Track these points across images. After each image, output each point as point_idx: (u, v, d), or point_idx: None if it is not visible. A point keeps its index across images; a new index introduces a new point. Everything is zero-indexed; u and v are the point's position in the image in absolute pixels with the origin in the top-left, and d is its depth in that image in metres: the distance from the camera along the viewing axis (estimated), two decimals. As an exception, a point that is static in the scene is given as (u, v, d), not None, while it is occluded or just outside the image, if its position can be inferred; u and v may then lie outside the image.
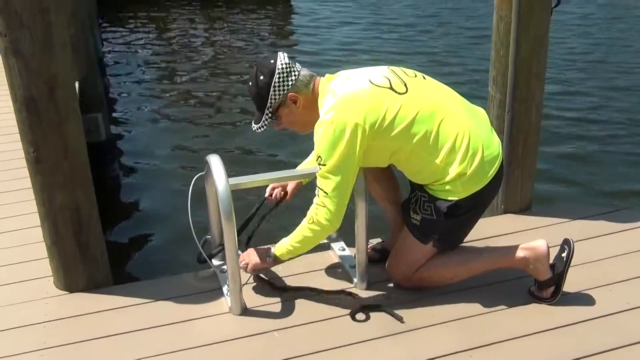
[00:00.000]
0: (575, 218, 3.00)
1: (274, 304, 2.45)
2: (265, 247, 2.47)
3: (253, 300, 2.46)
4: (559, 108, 6.73)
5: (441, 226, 2.30)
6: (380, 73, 2.30)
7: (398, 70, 2.35)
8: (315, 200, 2.28)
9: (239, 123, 6.72)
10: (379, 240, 2.79)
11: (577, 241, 2.75)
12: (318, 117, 2.26)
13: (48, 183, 2.35)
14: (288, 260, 2.46)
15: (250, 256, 2.47)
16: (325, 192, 2.23)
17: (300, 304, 2.44)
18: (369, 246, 2.64)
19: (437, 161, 2.21)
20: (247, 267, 2.46)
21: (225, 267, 2.45)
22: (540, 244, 2.32)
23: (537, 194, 3.15)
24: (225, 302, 2.44)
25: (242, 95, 7.62)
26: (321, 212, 2.24)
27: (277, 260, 2.43)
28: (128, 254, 4.24)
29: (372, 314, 2.35)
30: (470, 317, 2.34)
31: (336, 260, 2.71)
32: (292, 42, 10.65)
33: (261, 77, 2.27)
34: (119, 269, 3.14)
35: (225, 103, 7.51)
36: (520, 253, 2.34)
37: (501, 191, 3.02)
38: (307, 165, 2.57)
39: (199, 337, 2.27)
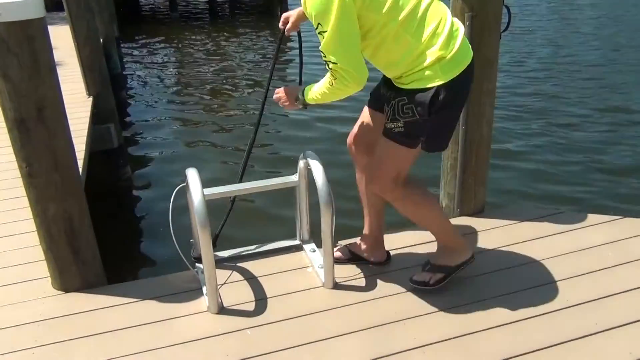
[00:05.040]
0: (522, 220, 2.82)
1: (248, 302, 2.27)
2: (297, 88, 2.15)
3: (230, 299, 2.28)
4: (511, 123, 6.52)
5: (425, 125, 1.96)
6: None
7: None
8: (328, 74, 1.93)
9: (242, 126, 6.53)
10: (348, 242, 2.61)
11: (524, 241, 2.63)
12: None
13: (41, 195, 2.16)
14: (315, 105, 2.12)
15: (286, 95, 2.18)
16: (334, 62, 1.86)
17: (273, 302, 2.27)
18: (335, 248, 2.48)
19: (420, 44, 1.89)
20: (281, 103, 2.20)
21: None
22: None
23: (489, 198, 2.97)
24: (204, 301, 2.26)
25: (243, 103, 7.44)
26: (340, 79, 1.89)
27: (306, 106, 2.12)
28: (126, 253, 4.03)
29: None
30: (424, 314, 2.17)
31: (307, 260, 2.54)
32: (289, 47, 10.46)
33: None
34: (118, 266, 2.95)
35: (228, 109, 7.29)
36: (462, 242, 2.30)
37: (457, 196, 2.86)
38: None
39: (179, 335, 2.09)
